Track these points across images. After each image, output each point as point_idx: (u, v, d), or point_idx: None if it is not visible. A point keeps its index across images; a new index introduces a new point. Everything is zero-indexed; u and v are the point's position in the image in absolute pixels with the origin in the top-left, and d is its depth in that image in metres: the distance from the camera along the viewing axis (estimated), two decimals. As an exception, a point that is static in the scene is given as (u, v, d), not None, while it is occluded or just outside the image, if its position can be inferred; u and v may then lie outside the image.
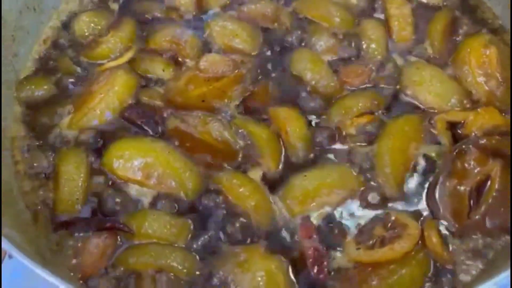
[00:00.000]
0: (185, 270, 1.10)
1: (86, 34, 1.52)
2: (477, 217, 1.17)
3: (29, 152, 1.30)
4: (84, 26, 1.52)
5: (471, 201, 1.19)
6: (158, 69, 1.42)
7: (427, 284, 1.09)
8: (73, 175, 1.23)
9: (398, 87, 1.38)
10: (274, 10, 1.54)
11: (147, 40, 1.49)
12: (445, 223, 1.17)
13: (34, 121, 1.36)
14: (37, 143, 1.32)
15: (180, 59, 1.46)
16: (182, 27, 1.51)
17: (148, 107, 1.36)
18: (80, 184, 1.22)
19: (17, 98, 1.39)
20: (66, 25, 1.55)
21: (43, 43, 1.51)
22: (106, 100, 1.34)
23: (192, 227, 1.17)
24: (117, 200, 1.21)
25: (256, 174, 1.25)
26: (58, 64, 1.46)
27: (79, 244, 1.14)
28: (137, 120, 1.32)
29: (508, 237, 1.15)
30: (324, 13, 1.51)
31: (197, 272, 1.11)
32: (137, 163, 1.23)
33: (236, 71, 1.40)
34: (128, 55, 1.46)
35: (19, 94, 1.39)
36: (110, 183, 1.24)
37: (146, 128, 1.32)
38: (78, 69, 1.45)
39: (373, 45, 1.46)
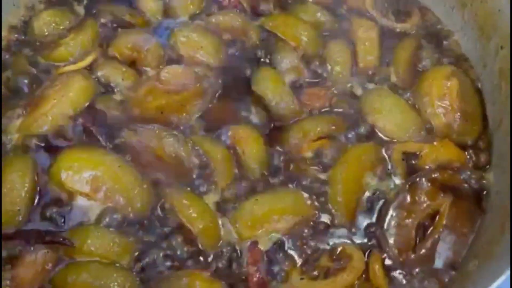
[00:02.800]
0: (124, 293, 1.07)
1: (46, 33, 1.46)
2: (422, 251, 1.18)
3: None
4: (45, 25, 1.47)
5: (417, 236, 1.20)
6: (118, 77, 1.39)
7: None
8: (17, 184, 1.18)
9: (358, 112, 1.38)
10: (242, 23, 1.52)
11: (109, 45, 1.45)
12: (390, 256, 1.18)
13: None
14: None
15: (141, 67, 1.42)
16: (146, 34, 1.47)
17: (103, 115, 1.32)
18: (23, 194, 1.17)
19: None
20: (25, 22, 1.50)
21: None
22: (59, 106, 1.30)
23: (137, 246, 1.14)
24: (60, 213, 1.17)
25: (211, 195, 1.22)
26: (12, 62, 1.41)
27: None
28: (90, 126, 1.28)
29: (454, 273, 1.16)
30: (292, 32, 1.49)
31: (137, 296, 1.09)
32: (85, 175, 1.20)
33: (198, 84, 1.38)
34: (88, 60, 1.42)
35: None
36: (54, 194, 1.20)
37: (98, 137, 1.28)
38: (34, 70, 1.40)
39: (337, 68, 1.45)
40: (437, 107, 1.37)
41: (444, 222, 1.21)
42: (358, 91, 1.43)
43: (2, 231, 1.12)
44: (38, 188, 1.20)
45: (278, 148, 1.31)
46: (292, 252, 1.17)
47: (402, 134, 1.34)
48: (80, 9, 1.54)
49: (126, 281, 1.08)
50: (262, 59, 1.46)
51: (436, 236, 1.20)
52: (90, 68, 1.41)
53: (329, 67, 1.45)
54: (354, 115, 1.38)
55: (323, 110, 1.39)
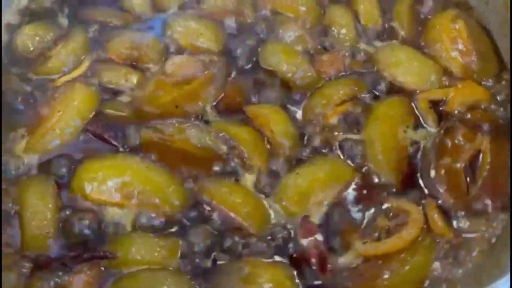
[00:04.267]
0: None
1: (31, 48, 1.36)
2: (475, 192, 1.15)
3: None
4: (28, 40, 1.37)
5: (467, 178, 1.16)
6: (120, 78, 1.30)
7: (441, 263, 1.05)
8: (40, 206, 1.08)
9: (375, 70, 1.34)
10: (235, 3, 1.46)
11: (105, 48, 1.36)
12: (445, 202, 1.14)
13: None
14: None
15: (142, 65, 1.34)
16: (140, 31, 1.39)
17: (113, 119, 1.23)
18: (49, 215, 1.07)
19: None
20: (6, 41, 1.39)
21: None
22: (66, 117, 1.21)
23: (183, 246, 1.06)
24: (93, 227, 1.08)
25: (249, 178, 1.16)
26: (2, 83, 1.30)
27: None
28: (104, 134, 1.20)
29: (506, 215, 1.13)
30: (288, 3, 1.45)
31: (199, 296, 1.01)
32: (113, 183, 1.11)
33: (206, 71, 1.30)
34: (83, 67, 1.33)
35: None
36: (82, 209, 1.11)
37: (114, 142, 1.19)
38: (27, 88, 1.29)
39: (343, 31, 1.41)
40: (452, 51, 1.35)
41: (489, 159, 1.18)
42: (369, 50, 1.39)
43: (37, 259, 1.02)
44: (63, 206, 1.10)
45: (303, 119, 1.26)
46: (345, 219, 1.11)
47: (424, 83, 1.31)
48: (63, 20, 1.44)
49: (181, 283, 1.00)
50: (263, 36, 1.40)
51: (485, 174, 1.16)
52: (88, 75, 1.31)
53: (335, 32, 1.41)
54: (371, 74, 1.34)
55: (340, 75, 1.34)
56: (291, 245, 1.07)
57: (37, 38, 1.37)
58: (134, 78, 1.31)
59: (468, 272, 1.03)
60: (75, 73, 1.31)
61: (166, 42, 1.37)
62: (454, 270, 1.05)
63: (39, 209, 1.07)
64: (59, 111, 1.21)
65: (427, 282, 1.03)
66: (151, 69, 1.33)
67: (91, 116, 1.23)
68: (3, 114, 1.22)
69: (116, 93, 1.29)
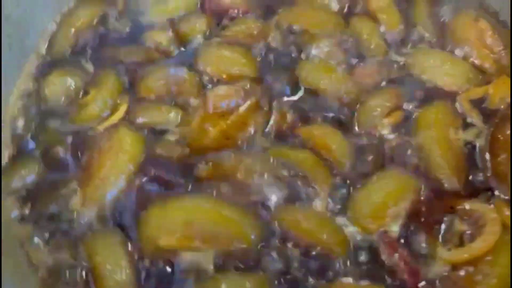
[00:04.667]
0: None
1: (62, 98, 1.31)
2: (539, 183, 1.17)
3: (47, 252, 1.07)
4: (57, 89, 1.32)
5: (528, 170, 1.19)
6: (162, 117, 1.27)
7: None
8: (115, 261, 1.03)
9: (412, 76, 1.35)
10: (260, 27, 1.45)
11: (138, 88, 1.32)
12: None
13: (37, 213, 1.12)
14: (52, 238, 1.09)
15: (181, 100, 1.31)
16: (172, 66, 1.36)
17: (166, 159, 1.19)
18: (126, 270, 1.02)
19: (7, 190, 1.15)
20: (31, 94, 1.33)
21: (13, 121, 1.28)
22: (118, 164, 1.16)
23: (269, 279, 1.03)
24: (171, 273, 1.03)
25: (317, 201, 1.14)
26: (40, 139, 1.24)
27: None
28: (161, 176, 1.16)
29: None
30: (313, 20, 1.45)
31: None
32: (183, 227, 1.07)
33: (249, 99, 1.28)
34: (122, 110, 1.28)
35: (8, 185, 1.15)
36: (156, 258, 1.06)
37: (174, 183, 1.15)
38: (68, 139, 1.24)
39: (371, 42, 1.42)
40: (481, 48, 1.38)
41: (542, 150, 1.21)
42: (400, 57, 1.40)
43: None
44: (137, 258, 1.05)
45: (356, 134, 1.25)
46: (423, 229, 1.11)
47: (463, 83, 1.33)
48: (86, 64, 1.39)
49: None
50: (294, 55, 1.40)
51: (543, 164, 1.19)
52: (128, 118, 1.27)
53: (363, 43, 1.42)
54: (410, 80, 1.35)
55: (380, 84, 1.35)
56: (376, 262, 1.06)
57: (66, 87, 1.32)
58: (176, 115, 1.27)
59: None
60: (115, 117, 1.27)
61: (200, 74, 1.35)
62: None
63: (115, 264, 1.02)
64: (109, 159, 1.16)
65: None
66: (191, 103, 1.30)
67: (142, 159, 1.18)
68: (53, 170, 1.17)
69: (161, 132, 1.25)
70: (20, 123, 1.28)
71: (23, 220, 1.12)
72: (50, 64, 1.38)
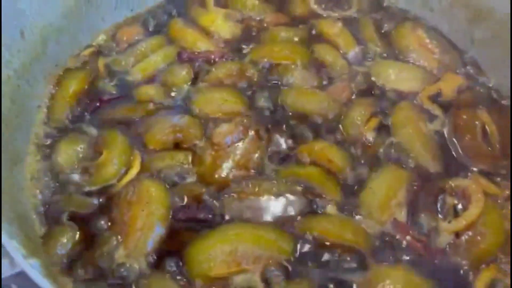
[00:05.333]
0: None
1: (76, 164, 1.38)
2: (499, 154, 1.43)
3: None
4: (69, 157, 1.38)
5: (489, 146, 1.44)
6: (175, 164, 1.37)
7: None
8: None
9: (378, 86, 1.58)
10: (238, 67, 1.61)
11: (145, 141, 1.42)
12: (482, 170, 1.39)
13: (87, 273, 1.19)
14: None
15: (188, 144, 1.43)
16: (171, 115, 1.48)
17: (192, 199, 1.31)
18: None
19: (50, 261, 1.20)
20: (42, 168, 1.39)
21: (33, 197, 1.33)
22: (152, 213, 1.26)
23: (314, 282, 1.18)
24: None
25: (331, 208, 1.31)
26: (66, 207, 1.30)
27: None
28: (195, 215, 1.27)
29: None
30: (283, 53, 1.64)
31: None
32: (229, 254, 1.18)
33: (249, 131, 1.44)
34: (137, 164, 1.37)
35: (53, 257, 1.20)
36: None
37: (208, 218, 1.27)
38: (94, 201, 1.31)
39: (336, 63, 1.64)
40: (424, 54, 1.65)
41: (494, 126, 1.48)
42: (363, 72, 1.63)
43: None
44: (194, 293, 1.16)
45: (346, 143, 1.45)
46: (424, 210, 1.31)
47: (419, 84, 1.58)
48: (88, 128, 1.47)
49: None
50: (275, 85, 1.58)
51: (498, 138, 1.45)
52: (143, 169, 1.37)
53: (329, 66, 1.63)
54: (376, 90, 1.58)
55: (352, 97, 1.56)
56: (395, 247, 1.24)
57: (76, 152, 1.39)
58: (187, 158, 1.39)
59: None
60: (133, 171, 1.36)
61: (199, 117, 1.48)
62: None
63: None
64: (141, 210, 1.26)
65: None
66: (198, 145, 1.43)
67: (172, 204, 1.29)
68: (89, 232, 1.24)
69: (180, 178, 1.36)
70: (41, 193, 1.33)
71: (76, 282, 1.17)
72: (55, 135, 1.44)
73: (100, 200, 1.31)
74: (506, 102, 1.56)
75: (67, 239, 1.23)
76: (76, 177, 1.36)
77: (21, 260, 0.82)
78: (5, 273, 0.81)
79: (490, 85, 1.60)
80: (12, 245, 0.84)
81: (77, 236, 1.25)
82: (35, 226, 1.27)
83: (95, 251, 1.22)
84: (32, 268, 0.84)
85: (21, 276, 0.82)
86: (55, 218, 1.28)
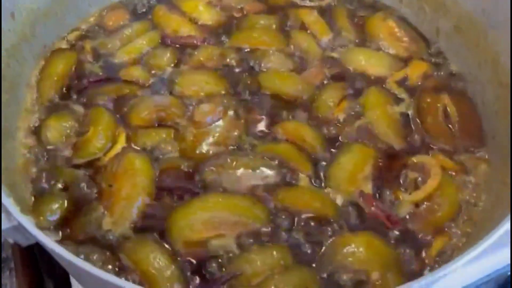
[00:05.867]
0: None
1: (63, 139, 1.46)
2: (458, 135, 1.56)
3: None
4: (57, 132, 1.46)
5: (449, 127, 1.57)
6: (159, 140, 1.47)
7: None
8: (159, 262, 1.22)
9: (349, 71, 1.70)
10: (219, 52, 1.71)
11: (130, 118, 1.51)
12: (441, 148, 1.52)
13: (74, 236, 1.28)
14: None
15: (171, 122, 1.52)
16: (155, 95, 1.57)
17: (175, 172, 1.40)
18: (172, 267, 1.21)
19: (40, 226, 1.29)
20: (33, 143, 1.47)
21: (24, 168, 1.41)
22: (136, 183, 1.34)
23: (288, 246, 1.28)
24: (209, 261, 1.25)
25: (303, 181, 1.42)
26: (55, 178, 1.38)
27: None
28: (179, 186, 1.36)
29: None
30: (261, 39, 1.74)
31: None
32: (207, 220, 1.28)
33: (228, 111, 1.54)
34: (122, 139, 1.46)
35: (42, 222, 1.29)
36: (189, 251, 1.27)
37: (187, 189, 1.37)
38: (80, 172, 1.40)
39: (310, 49, 1.74)
40: (393, 43, 1.77)
41: (455, 109, 1.60)
42: (336, 56, 1.74)
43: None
44: (173, 253, 1.25)
45: (319, 123, 1.56)
46: (388, 183, 1.43)
47: (388, 70, 1.70)
48: (76, 106, 1.55)
49: (304, 272, 1.23)
50: (254, 69, 1.68)
51: (457, 119, 1.58)
52: (129, 145, 1.46)
53: (304, 51, 1.74)
54: (347, 74, 1.69)
55: (326, 82, 1.67)
56: (361, 216, 1.36)
57: (64, 128, 1.47)
58: (170, 136, 1.48)
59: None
60: (119, 146, 1.45)
61: (181, 97, 1.57)
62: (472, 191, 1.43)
63: (159, 264, 1.21)
64: (127, 180, 1.35)
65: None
66: (180, 123, 1.52)
67: (155, 176, 1.38)
68: (77, 201, 1.33)
69: (162, 151, 1.45)
70: (32, 165, 1.41)
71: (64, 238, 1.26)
72: (43, 113, 1.52)
73: (88, 172, 1.40)
74: (464, 86, 1.68)
75: (56, 207, 1.32)
76: (64, 151, 1.44)
77: (18, 214, 0.90)
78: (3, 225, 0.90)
79: (453, 72, 1.72)
80: (9, 202, 0.92)
81: (66, 204, 1.33)
82: (26, 196, 1.35)
83: (83, 218, 1.31)
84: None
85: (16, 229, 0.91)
86: (45, 188, 1.36)
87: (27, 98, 1.54)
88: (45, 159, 1.43)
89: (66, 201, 1.34)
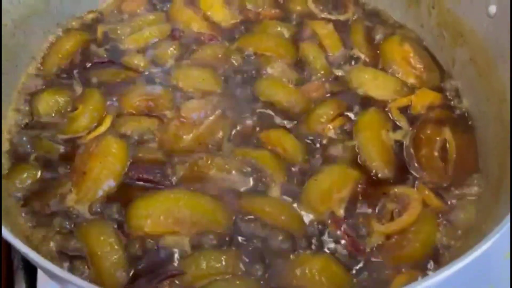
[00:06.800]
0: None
1: (53, 113, 1.50)
2: (451, 171, 1.46)
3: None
4: (48, 106, 1.51)
5: (443, 162, 1.48)
6: (143, 128, 1.48)
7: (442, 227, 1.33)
8: (108, 245, 1.22)
9: (351, 89, 1.64)
10: (223, 51, 1.70)
11: (120, 104, 1.53)
12: (431, 182, 1.43)
13: (37, 208, 1.31)
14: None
15: (158, 113, 1.53)
16: (149, 84, 1.59)
17: (149, 162, 1.40)
18: (119, 252, 1.21)
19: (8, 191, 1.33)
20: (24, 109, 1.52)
21: (9, 133, 1.46)
22: (107, 166, 1.36)
23: (242, 255, 1.25)
24: (157, 254, 1.23)
25: (274, 191, 1.38)
26: (35, 149, 1.42)
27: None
28: (145, 176, 1.36)
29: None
30: (269, 46, 1.72)
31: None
32: (166, 216, 1.27)
33: (216, 111, 1.52)
34: (107, 122, 1.49)
35: (10, 188, 1.32)
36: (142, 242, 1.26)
37: (156, 181, 1.36)
38: (60, 147, 1.43)
39: (317, 62, 1.70)
40: (405, 68, 1.69)
41: (453, 144, 1.51)
42: (341, 74, 1.69)
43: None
44: (127, 242, 1.25)
45: (306, 136, 1.51)
46: (362, 210, 1.36)
47: (391, 94, 1.62)
48: (74, 83, 1.59)
49: (250, 283, 1.19)
50: (253, 74, 1.66)
51: (454, 156, 1.48)
52: (113, 129, 1.48)
53: (310, 64, 1.70)
54: (349, 92, 1.63)
55: (325, 97, 1.62)
56: (326, 237, 1.30)
57: (56, 103, 1.51)
58: (154, 125, 1.49)
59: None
60: (102, 128, 1.47)
61: (174, 90, 1.58)
62: (452, 232, 1.33)
63: (108, 248, 1.21)
64: (99, 162, 1.36)
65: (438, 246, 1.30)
66: (167, 115, 1.52)
67: (128, 162, 1.39)
68: (48, 174, 1.36)
69: (143, 141, 1.46)
70: (16, 134, 1.46)
71: (27, 214, 1.29)
72: (41, 85, 1.57)
73: (66, 148, 1.43)
74: (471, 122, 1.58)
75: (27, 176, 1.35)
76: (51, 125, 1.48)
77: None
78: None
79: (462, 107, 1.62)
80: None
81: (38, 175, 1.37)
82: (4, 161, 1.39)
83: (50, 192, 1.33)
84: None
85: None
86: (22, 156, 1.41)
87: (29, 69, 1.60)
88: (31, 129, 1.47)
89: (39, 172, 1.37)
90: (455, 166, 1.46)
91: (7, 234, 0.96)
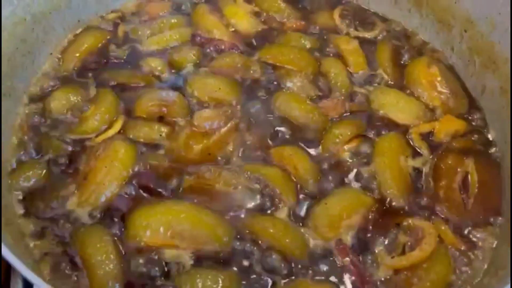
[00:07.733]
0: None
1: (65, 112, 1.48)
2: (470, 206, 1.38)
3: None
4: (61, 104, 1.49)
5: (463, 195, 1.39)
6: (153, 133, 1.44)
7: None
8: (102, 254, 1.18)
9: (371, 110, 1.57)
10: (243, 61, 1.66)
11: (133, 107, 1.50)
12: (448, 217, 1.35)
13: (38, 209, 1.28)
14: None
15: (170, 119, 1.49)
16: (164, 89, 1.55)
17: (155, 170, 1.37)
18: (114, 262, 1.17)
19: (11, 188, 1.31)
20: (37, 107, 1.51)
21: (20, 129, 1.44)
22: (112, 171, 1.33)
23: (241, 276, 1.20)
24: (156, 269, 1.19)
25: (283, 211, 1.32)
26: (43, 147, 1.40)
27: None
28: (149, 184, 1.33)
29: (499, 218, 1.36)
30: (290, 58, 1.66)
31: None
32: (166, 227, 1.23)
33: (229, 122, 1.47)
34: (118, 125, 1.46)
35: (13, 185, 1.31)
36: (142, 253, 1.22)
37: (160, 190, 1.32)
38: (68, 148, 1.40)
39: (338, 79, 1.64)
40: (431, 91, 1.61)
41: (476, 178, 1.42)
42: (363, 93, 1.61)
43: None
44: (124, 252, 1.21)
45: (320, 157, 1.45)
46: (372, 240, 1.29)
47: (413, 119, 1.54)
48: (89, 84, 1.57)
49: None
50: (271, 87, 1.61)
51: (476, 191, 1.40)
52: (123, 133, 1.45)
53: (332, 81, 1.64)
54: (368, 113, 1.56)
55: (343, 116, 1.55)
56: (329, 265, 1.24)
57: (69, 102, 1.49)
58: (165, 132, 1.45)
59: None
60: (112, 131, 1.44)
61: (189, 97, 1.54)
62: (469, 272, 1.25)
63: (104, 256, 1.17)
64: (104, 166, 1.33)
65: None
66: (179, 123, 1.48)
67: (134, 168, 1.35)
68: (54, 174, 1.33)
69: (152, 147, 1.42)
70: (26, 131, 1.44)
71: (26, 215, 1.27)
72: (56, 82, 1.56)
73: (74, 149, 1.40)
74: (498, 155, 1.49)
75: (32, 174, 1.33)
76: (62, 124, 1.46)
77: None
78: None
79: (489, 138, 1.53)
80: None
81: (43, 174, 1.34)
82: (8, 157, 1.37)
83: (52, 192, 1.31)
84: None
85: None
86: (29, 153, 1.39)
87: (46, 66, 1.58)
88: (42, 127, 1.45)
89: (44, 171, 1.35)
90: (476, 202, 1.38)
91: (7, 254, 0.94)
